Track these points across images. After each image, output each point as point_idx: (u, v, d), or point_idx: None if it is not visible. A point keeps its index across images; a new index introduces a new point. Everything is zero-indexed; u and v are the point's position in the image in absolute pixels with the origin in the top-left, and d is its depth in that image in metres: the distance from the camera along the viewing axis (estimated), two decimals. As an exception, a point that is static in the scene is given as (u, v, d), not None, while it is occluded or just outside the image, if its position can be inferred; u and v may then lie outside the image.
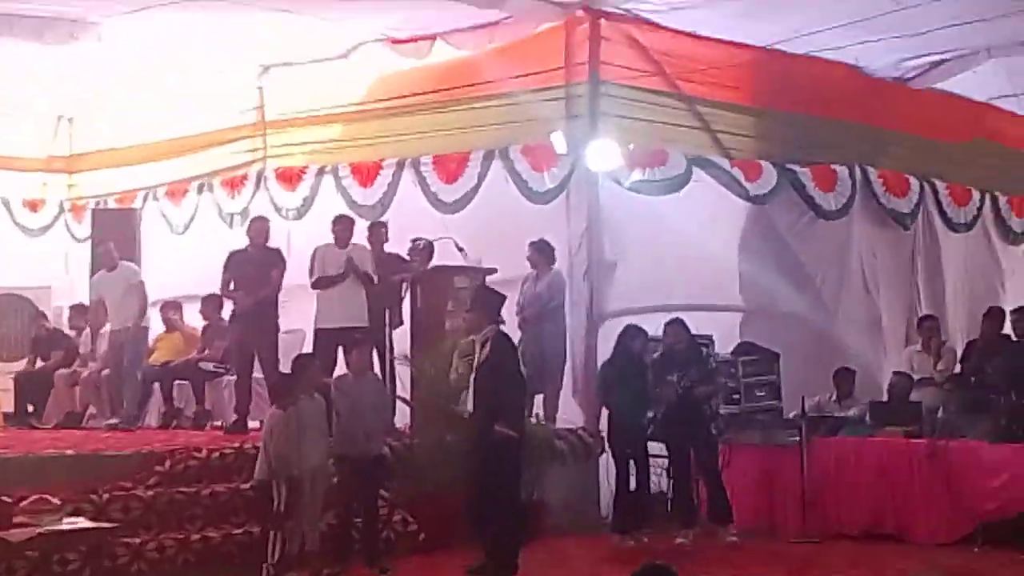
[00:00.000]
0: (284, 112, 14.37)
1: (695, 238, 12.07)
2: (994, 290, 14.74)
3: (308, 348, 11.70)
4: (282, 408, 9.27)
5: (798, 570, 9.56)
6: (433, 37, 12.77)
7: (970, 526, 10.32)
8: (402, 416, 11.72)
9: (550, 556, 10.10)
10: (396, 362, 11.73)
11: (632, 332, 10.94)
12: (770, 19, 12.10)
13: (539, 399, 11.94)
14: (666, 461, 11.42)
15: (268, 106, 14.49)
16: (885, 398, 12.00)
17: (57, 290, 15.53)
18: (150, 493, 9.46)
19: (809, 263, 13.26)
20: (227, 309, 12.58)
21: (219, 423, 12.63)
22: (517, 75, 12.38)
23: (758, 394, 11.75)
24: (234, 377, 12.35)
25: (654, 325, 11.22)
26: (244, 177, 14.41)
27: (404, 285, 12.03)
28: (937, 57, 13.39)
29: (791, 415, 11.48)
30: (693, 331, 11.11)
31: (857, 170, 13.40)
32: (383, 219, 12.63)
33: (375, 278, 11.72)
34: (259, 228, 12.11)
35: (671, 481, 11.14)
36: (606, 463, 11.92)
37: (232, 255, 12.00)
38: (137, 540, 8.93)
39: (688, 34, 12.47)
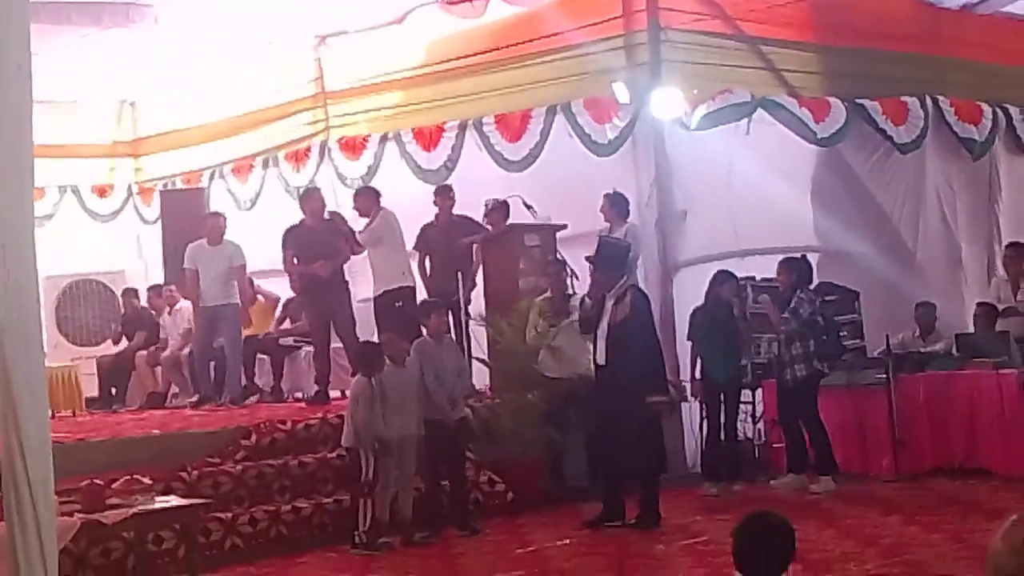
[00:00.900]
0: (343, 82, 14.32)
1: (765, 181, 11.87)
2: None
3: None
4: (365, 375, 9.30)
5: (892, 510, 9.42)
6: (487, -4, 12.66)
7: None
8: (481, 378, 11.71)
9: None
10: (472, 323, 11.71)
11: (721, 278, 10.84)
12: (830, -47, 11.86)
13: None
14: (750, 407, 11.34)
15: (327, 77, 14.44)
16: (971, 330, 11.78)
17: (130, 274, 15.64)
18: (239, 468, 9.53)
19: (884, 199, 13.00)
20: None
21: (299, 395, 12.70)
22: (575, 27, 12.22)
23: (841, 334, 11.57)
24: (311, 349, 12.40)
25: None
26: (308, 150, 14.39)
27: (475, 248, 12.00)
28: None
29: (876, 353, 11.30)
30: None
31: (928, 101, 13.10)
32: (448, 183, 12.57)
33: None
34: (314, 200, 12.12)
35: (766, 428, 11.08)
36: (689, 413, 11.84)
37: (289, 230, 12.01)
38: (229, 515, 9.01)
39: (747, -27, 12.24)
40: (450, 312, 11.11)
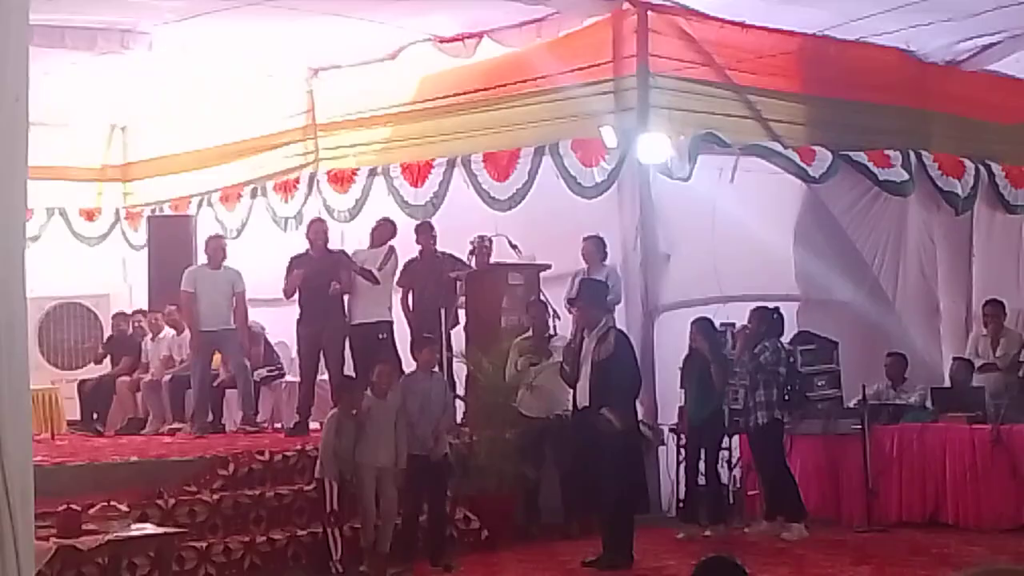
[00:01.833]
0: (334, 114, 14.43)
1: (749, 228, 11.99)
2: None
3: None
4: (342, 409, 9.38)
5: (862, 559, 9.50)
6: (480, 35, 12.79)
7: (1036, 512, 10.22)
8: (458, 414, 11.75)
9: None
10: (453, 360, 11.77)
11: (695, 324, 10.93)
12: (819, 5, 12.02)
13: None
14: (726, 453, 11.41)
15: (318, 109, 14.56)
16: (947, 384, 11.88)
17: (115, 298, 15.65)
18: (215, 497, 9.54)
19: (865, 248, 13.15)
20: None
21: (279, 425, 12.71)
22: (565, 70, 12.37)
23: (818, 383, 11.67)
24: (289, 380, 12.43)
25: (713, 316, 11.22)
26: (296, 181, 14.48)
27: (459, 284, 12.07)
28: (988, 39, 13.24)
29: (852, 403, 11.40)
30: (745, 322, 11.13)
31: (912, 155, 13.26)
32: (428, 220, 12.65)
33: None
34: (318, 230, 12.19)
35: (742, 474, 11.17)
36: (665, 456, 11.91)
37: (294, 259, 12.07)
38: (204, 544, 9.02)
39: (736, 23, 12.39)
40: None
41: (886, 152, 13.09)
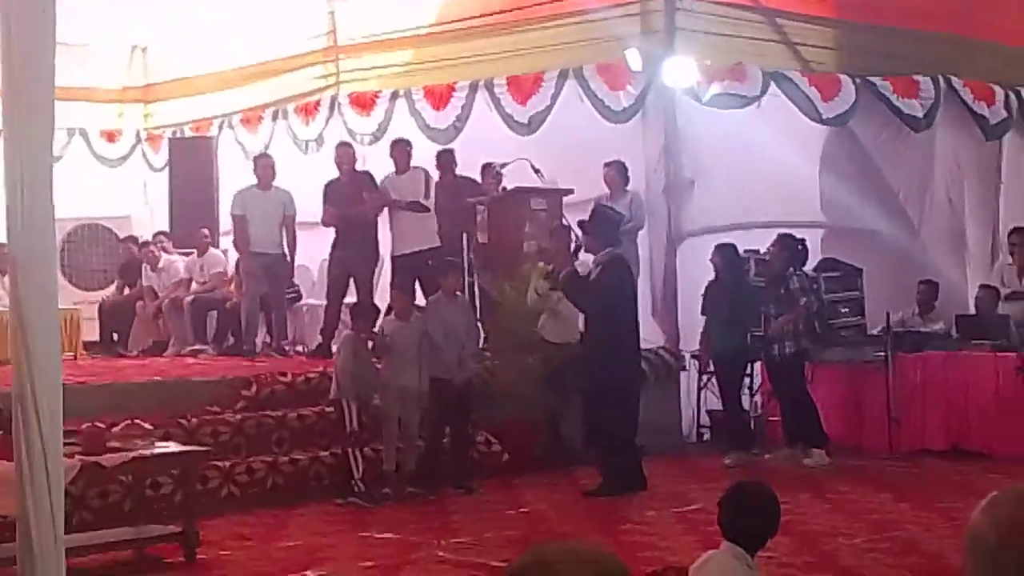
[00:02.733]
0: (356, 36, 14.29)
1: (775, 154, 11.89)
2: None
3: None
4: (355, 331, 9.40)
5: (884, 486, 9.50)
6: (505, -44, 12.62)
7: (1061, 440, 10.20)
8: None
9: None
10: (475, 285, 11.74)
11: (715, 250, 10.88)
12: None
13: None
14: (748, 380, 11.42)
15: (340, 31, 14.41)
16: (972, 312, 11.82)
17: (136, 219, 15.65)
18: (238, 417, 9.60)
19: (892, 176, 13.02)
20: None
21: (300, 348, 12.74)
22: (591, -8, 12.20)
23: (841, 311, 11.62)
24: (311, 302, 12.40)
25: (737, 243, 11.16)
26: (318, 103, 14.37)
27: (480, 208, 12.00)
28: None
29: (875, 331, 11.35)
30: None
31: (941, 80, 13.07)
32: (451, 146, 12.54)
33: (429, 204, 11.65)
34: (344, 154, 12.10)
35: (763, 401, 11.18)
36: (687, 383, 11.91)
37: (329, 185, 11.99)
38: (227, 464, 9.08)
39: (766, -55, 12.20)
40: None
41: (915, 77, 12.90)
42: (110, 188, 16.04)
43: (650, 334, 12.08)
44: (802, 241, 10.96)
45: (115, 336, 13.85)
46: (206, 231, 13.68)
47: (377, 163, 12.62)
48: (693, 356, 11.79)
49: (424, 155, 12.41)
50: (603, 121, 12.07)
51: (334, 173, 12.13)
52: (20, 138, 3.36)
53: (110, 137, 16.26)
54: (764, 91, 12.05)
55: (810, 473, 10.18)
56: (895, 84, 12.75)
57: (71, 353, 12.97)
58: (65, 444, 6.87)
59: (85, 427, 7.41)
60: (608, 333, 9.32)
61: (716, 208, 12.16)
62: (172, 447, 7.95)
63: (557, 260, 11.14)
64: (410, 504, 9.15)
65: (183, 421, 9.20)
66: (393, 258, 11.84)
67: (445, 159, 12.29)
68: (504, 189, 11.99)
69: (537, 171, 11.95)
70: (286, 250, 12.27)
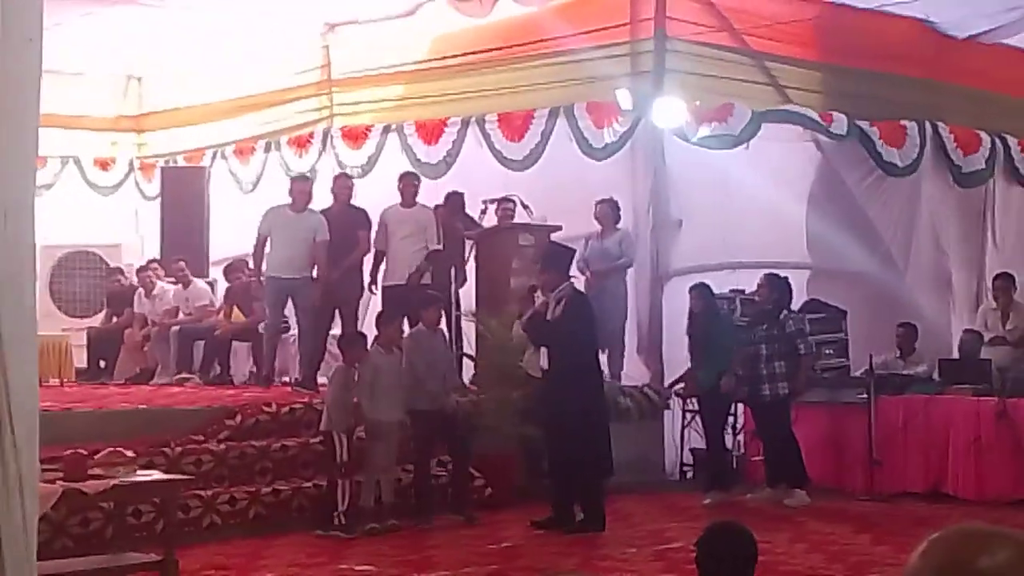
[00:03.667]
0: (349, 70, 14.42)
1: (762, 195, 11.99)
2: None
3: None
4: (346, 362, 9.46)
5: (864, 528, 9.54)
6: (497, -6, 12.74)
7: (1039, 486, 10.25)
8: (465, 373, 11.79)
9: (615, 513, 10.13)
10: (462, 319, 11.79)
11: (693, 290, 10.94)
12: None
13: (602, 356, 11.96)
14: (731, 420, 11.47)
15: (334, 64, 14.54)
16: (955, 356, 11.89)
17: (127, 247, 15.70)
18: (221, 447, 9.62)
19: (878, 220, 13.11)
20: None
21: (286, 379, 12.76)
22: (582, 32, 12.33)
23: (825, 352, 11.69)
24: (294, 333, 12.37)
25: (720, 284, 11.24)
26: (311, 136, 14.49)
27: (469, 243, 12.07)
28: (1008, 12, 13.12)
29: (858, 373, 11.41)
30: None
31: (927, 126, 13.20)
32: (449, 179, 12.61)
33: (439, 238, 11.70)
34: (343, 186, 12.06)
35: (746, 441, 11.22)
36: (671, 421, 11.96)
37: (322, 212, 11.93)
38: (209, 492, 9.09)
39: (755, -11, 12.34)
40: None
41: (901, 123, 13.03)
42: (102, 216, 16.09)
43: (635, 372, 12.19)
44: (786, 279, 11.03)
45: (102, 364, 13.87)
46: (183, 264, 13.61)
47: (366, 196, 12.68)
48: (677, 394, 11.85)
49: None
50: (591, 160, 12.17)
51: (327, 204, 12.08)
52: (3, 164, 3.42)
53: (103, 165, 16.34)
54: (754, 130, 12.13)
55: (790, 513, 10.21)
56: (882, 129, 12.87)
57: (58, 380, 13.03)
58: (47, 470, 6.95)
59: (67, 453, 7.42)
60: (571, 368, 9.33)
61: (703, 248, 12.25)
62: (154, 475, 7.96)
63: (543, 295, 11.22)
64: (391, 537, 9.16)
65: (166, 450, 9.21)
66: (384, 288, 11.87)
67: (455, 202, 12.29)
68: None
69: (526, 207, 12.05)
70: (313, 275, 11.53)
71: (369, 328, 10.79)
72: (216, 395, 11.28)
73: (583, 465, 9.32)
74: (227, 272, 13.47)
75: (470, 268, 12.20)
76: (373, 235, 11.74)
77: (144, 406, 10.40)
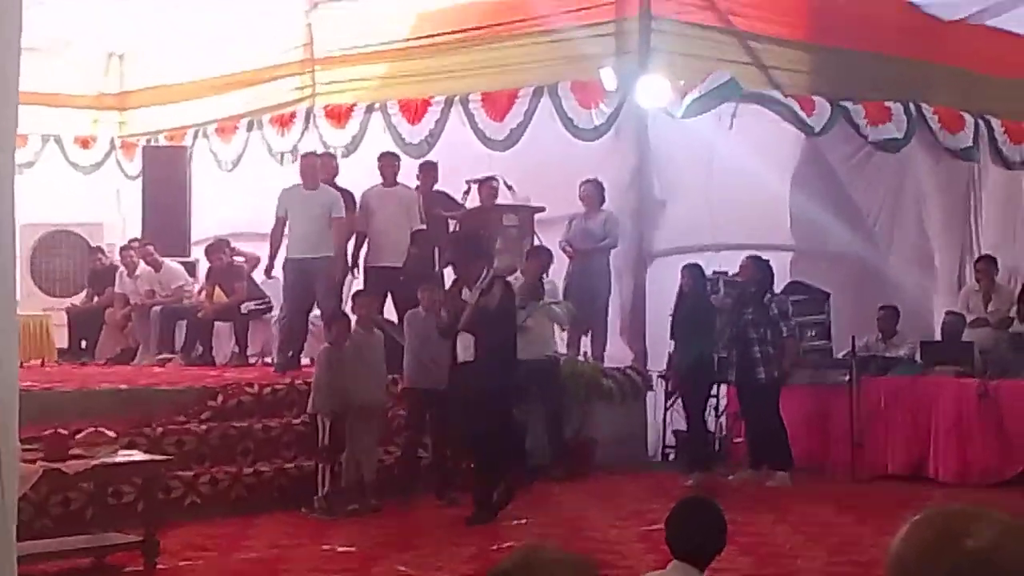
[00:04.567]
0: (332, 49, 14.32)
1: (746, 176, 11.96)
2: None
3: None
4: (330, 343, 9.44)
5: (846, 509, 9.55)
6: (481, -28, 12.70)
7: (1020, 467, 10.26)
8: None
9: (597, 493, 10.16)
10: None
11: (684, 270, 10.91)
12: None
13: (585, 338, 11.97)
14: (714, 400, 11.48)
15: (317, 43, 14.45)
16: (938, 337, 11.91)
17: (108, 227, 15.62)
18: (203, 427, 9.59)
19: (862, 201, 13.13)
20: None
21: (268, 360, 12.72)
22: (566, 11, 12.28)
23: (808, 334, 11.69)
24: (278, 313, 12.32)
25: (704, 265, 11.22)
26: (293, 115, 14.40)
27: (452, 223, 12.04)
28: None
29: (841, 355, 11.42)
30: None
31: (912, 106, 13.19)
32: (432, 159, 12.56)
33: (422, 218, 11.65)
34: (327, 165, 11.94)
35: (728, 422, 11.21)
36: (653, 402, 11.97)
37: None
38: (191, 473, 9.07)
39: (740, -32, 12.31)
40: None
41: (886, 104, 13.03)
42: (83, 195, 16.00)
43: (618, 353, 12.18)
44: (767, 262, 11.01)
45: (83, 344, 13.82)
46: (150, 248, 13.48)
47: (350, 176, 12.62)
48: (660, 376, 11.84)
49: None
50: (575, 140, 12.15)
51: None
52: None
53: (84, 144, 16.23)
54: (738, 102, 12.10)
55: (773, 494, 10.22)
56: (867, 109, 12.87)
57: (38, 360, 12.98)
58: (27, 450, 6.91)
59: (48, 433, 7.39)
60: (493, 356, 8.95)
61: (687, 229, 12.23)
62: (135, 455, 7.94)
63: (528, 277, 11.21)
64: (372, 517, 9.14)
65: (148, 430, 9.19)
66: (366, 268, 11.82)
67: (427, 171, 12.27)
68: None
69: (510, 187, 12.02)
70: (337, 255, 11.32)
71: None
72: (198, 375, 11.24)
73: (503, 455, 9.09)
74: (208, 252, 13.36)
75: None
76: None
77: (125, 386, 10.36)
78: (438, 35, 13.28)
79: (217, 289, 13.06)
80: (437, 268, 11.77)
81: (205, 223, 14.34)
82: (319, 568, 7.60)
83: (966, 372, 10.88)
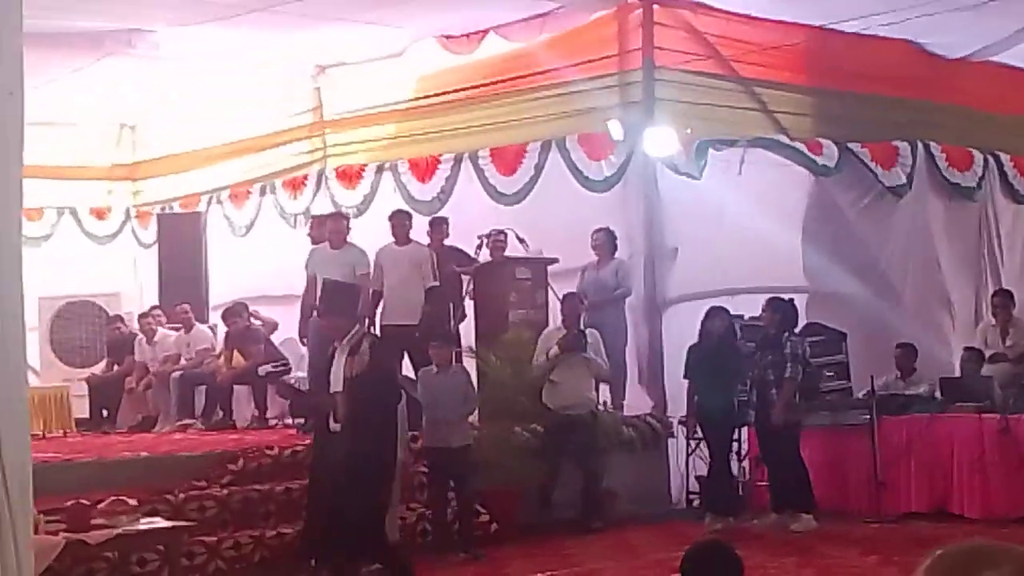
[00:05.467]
0: (341, 111, 14.47)
1: (756, 221, 11.98)
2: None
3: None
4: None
5: (870, 550, 9.50)
6: (484, 31, 12.80)
7: (1044, 502, 10.22)
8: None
9: (620, 544, 10.11)
10: (463, 355, 11.76)
11: (712, 313, 10.92)
12: (824, -2, 12.00)
13: (604, 387, 11.96)
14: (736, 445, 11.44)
15: (326, 106, 14.60)
16: (957, 374, 11.87)
17: (126, 295, 15.72)
18: (224, 492, 9.59)
19: (874, 240, 13.11)
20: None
21: (289, 421, 12.73)
22: (571, 65, 12.38)
23: (827, 375, 11.67)
24: (297, 375, 12.33)
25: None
26: (305, 177, 14.55)
27: (466, 279, 12.08)
28: (996, 32, 13.16)
29: (860, 395, 11.39)
30: (754, 314, 11.15)
31: (919, 145, 13.22)
32: (443, 215, 12.62)
33: (435, 275, 11.69)
34: (338, 226, 11.98)
35: (751, 466, 11.18)
36: (675, 449, 11.93)
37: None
38: (213, 538, 9.05)
39: (741, 16, 12.39)
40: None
41: (894, 144, 13.06)
42: (100, 265, 16.13)
43: (637, 401, 12.17)
44: (791, 302, 11.00)
45: (104, 412, 13.87)
46: (187, 307, 13.66)
47: (362, 235, 12.68)
48: (680, 422, 11.81)
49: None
50: (585, 191, 12.22)
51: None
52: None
53: (99, 215, 16.40)
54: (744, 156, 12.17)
55: (797, 537, 10.17)
56: (873, 151, 12.90)
57: (60, 431, 13.02)
58: (49, 521, 6.96)
59: (69, 504, 7.42)
60: (369, 424, 8.16)
61: (699, 275, 12.24)
62: (158, 523, 7.95)
63: (568, 329, 11.18)
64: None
65: (169, 496, 9.19)
66: (382, 326, 11.84)
67: (437, 227, 12.32)
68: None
69: (522, 241, 12.07)
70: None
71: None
72: (218, 440, 11.27)
73: (363, 529, 8.15)
74: (226, 316, 13.45)
75: (468, 304, 12.19)
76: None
77: (146, 453, 10.40)
78: (445, 93, 13.39)
79: (235, 353, 13.12)
80: (452, 324, 11.79)
81: (220, 287, 14.44)
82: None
83: (986, 408, 10.83)
